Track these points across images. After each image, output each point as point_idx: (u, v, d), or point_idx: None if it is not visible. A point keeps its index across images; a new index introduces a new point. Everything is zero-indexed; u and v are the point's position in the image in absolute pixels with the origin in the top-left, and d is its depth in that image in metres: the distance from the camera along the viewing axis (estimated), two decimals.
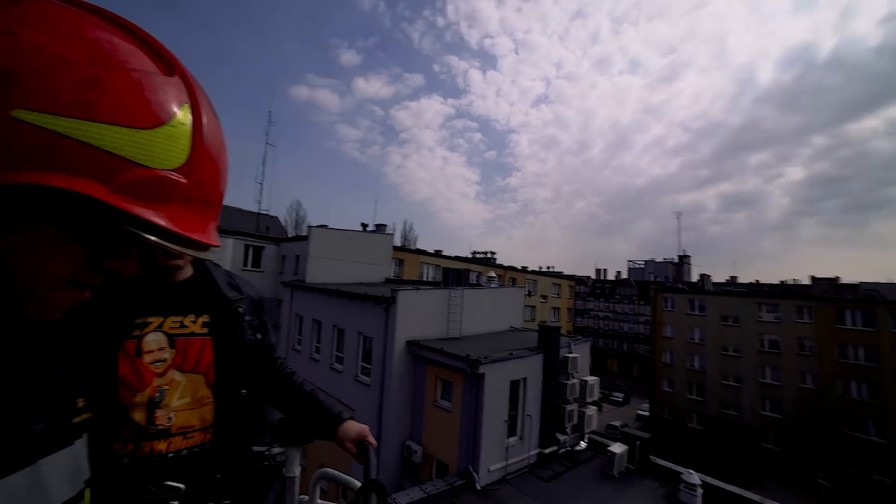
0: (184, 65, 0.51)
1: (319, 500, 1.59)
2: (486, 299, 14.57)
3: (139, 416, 1.03)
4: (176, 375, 1.10)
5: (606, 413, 39.28)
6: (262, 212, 28.70)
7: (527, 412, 11.24)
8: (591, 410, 12.64)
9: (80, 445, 0.62)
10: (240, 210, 30.16)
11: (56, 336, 0.55)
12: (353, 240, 21.29)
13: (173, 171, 0.46)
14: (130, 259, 0.53)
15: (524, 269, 41.15)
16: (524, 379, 11.23)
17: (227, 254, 20.13)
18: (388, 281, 22.85)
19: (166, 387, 1.08)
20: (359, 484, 1.16)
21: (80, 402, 0.64)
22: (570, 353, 12.51)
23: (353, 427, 1.38)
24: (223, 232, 20.61)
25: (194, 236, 0.49)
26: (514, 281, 37.18)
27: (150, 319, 1.10)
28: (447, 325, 12.66)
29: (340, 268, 20.16)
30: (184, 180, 0.47)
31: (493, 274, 16.90)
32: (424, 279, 28.71)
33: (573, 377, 12.28)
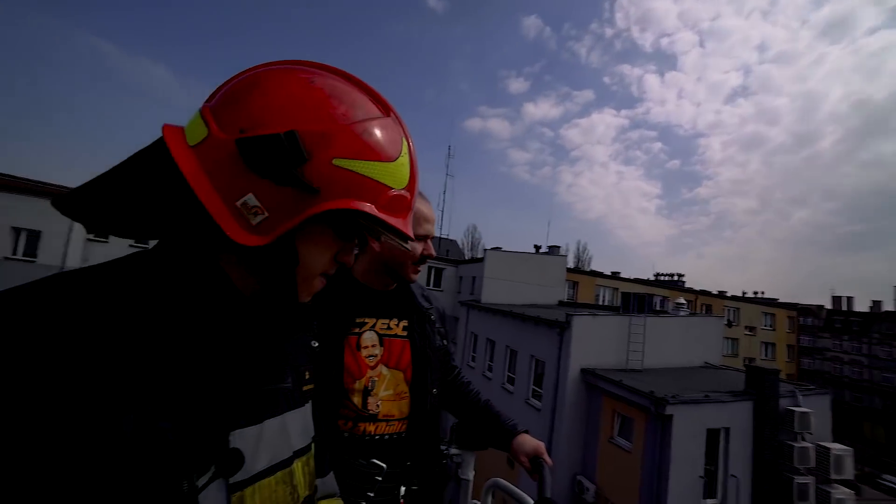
0: (397, 112, 0.64)
1: None
2: (674, 329, 12.85)
3: (356, 399, 1.23)
4: (383, 370, 1.28)
5: (873, 502, 26.24)
6: (442, 236, 31.72)
7: (730, 472, 9.34)
8: (843, 493, 9.40)
9: (309, 408, 0.77)
10: None
11: (303, 316, 0.69)
12: (526, 262, 21.68)
13: (403, 189, 0.61)
14: (350, 255, 0.67)
15: (721, 295, 34.46)
16: (726, 429, 9.39)
17: None
18: (561, 303, 22.33)
19: (376, 378, 1.27)
20: (531, 501, 1.18)
21: (307, 375, 0.79)
22: (798, 405, 9.91)
23: (529, 442, 1.40)
24: None
25: (408, 234, 0.64)
26: (708, 308, 31.52)
27: (366, 320, 1.30)
28: (627, 355, 11.63)
29: (514, 289, 20.71)
30: (409, 196, 0.62)
31: (683, 301, 14.81)
32: (600, 303, 27.01)
33: (803, 439, 9.64)
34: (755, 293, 42.73)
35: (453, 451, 1.64)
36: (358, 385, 1.23)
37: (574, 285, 26.81)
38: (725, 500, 9.28)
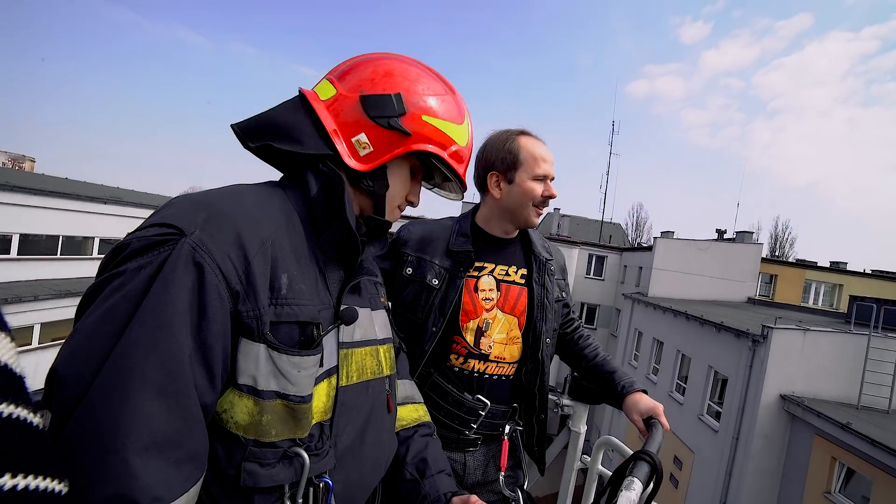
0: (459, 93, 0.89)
1: (600, 466, 1.59)
2: None
3: (469, 337, 1.32)
4: (498, 314, 1.35)
5: None
6: (605, 220, 29.27)
7: None
8: None
9: (386, 314, 0.96)
10: (585, 219, 31.81)
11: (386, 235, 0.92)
12: (705, 251, 18.38)
13: (464, 147, 0.86)
14: (416, 197, 0.91)
15: None
16: None
17: (571, 263, 21.68)
18: (751, 301, 18.41)
19: (490, 321, 1.34)
20: (630, 452, 1.13)
21: (383, 292, 1.00)
22: None
23: (645, 400, 1.34)
24: (569, 242, 22.49)
25: (462, 174, 0.89)
26: None
27: (486, 265, 1.37)
28: (860, 387, 8.83)
29: (689, 282, 17.83)
30: (467, 151, 0.88)
31: None
32: (810, 304, 21.31)
33: None
34: None
35: (565, 401, 1.67)
36: (472, 324, 1.32)
37: (771, 279, 21.68)
38: None
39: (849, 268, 22.89)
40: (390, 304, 1.04)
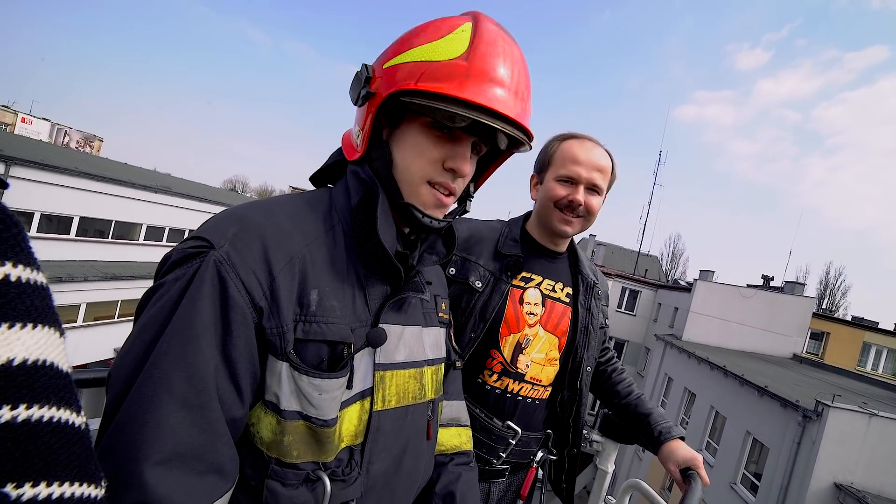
0: (485, 16, 0.71)
1: None
2: None
3: (507, 352, 1.21)
4: (540, 331, 1.24)
5: None
6: (642, 252, 28.01)
7: None
8: None
9: (443, 332, 0.91)
10: (621, 248, 30.69)
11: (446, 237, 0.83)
12: (750, 299, 17.07)
13: (455, 58, 0.65)
14: (465, 161, 0.72)
15: None
16: None
17: None
18: (797, 359, 16.92)
19: (531, 337, 1.23)
20: None
21: (444, 305, 0.94)
22: None
23: (682, 450, 1.25)
24: (603, 272, 21.35)
25: (476, 99, 0.64)
26: None
27: (533, 276, 1.26)
28: None
29: (728, 330, 16.61)
30: (463, 62, 0.65)
31: None
32: (868, 370, 19.44)
33: None
34: None
35: (595, 437, 1.59)
36: (512, 339, 1.22)
37: (822, 336, 19.95)
38: None
39: None
40: (450, 317, 0.97)
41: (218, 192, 27.16)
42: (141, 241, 16.76)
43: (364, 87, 0.70)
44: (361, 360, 0.68)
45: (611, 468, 1.61)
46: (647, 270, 27.04)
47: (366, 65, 0.72)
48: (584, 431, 1.49)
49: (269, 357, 0.60)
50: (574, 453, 1.34)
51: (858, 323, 21.19)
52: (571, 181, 1.21)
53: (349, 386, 0.66)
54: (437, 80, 0.64)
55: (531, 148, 0.79)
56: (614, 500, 1.57)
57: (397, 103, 0.69)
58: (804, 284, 19.66)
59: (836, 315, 27.19)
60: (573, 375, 1.29)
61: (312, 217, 0.70)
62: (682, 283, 23.41)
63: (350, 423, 0.68)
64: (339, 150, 0.80)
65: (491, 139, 0.75)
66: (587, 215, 1.23)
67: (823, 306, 32.62)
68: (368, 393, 0.70)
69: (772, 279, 21.49)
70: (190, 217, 18.12)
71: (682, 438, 1.31)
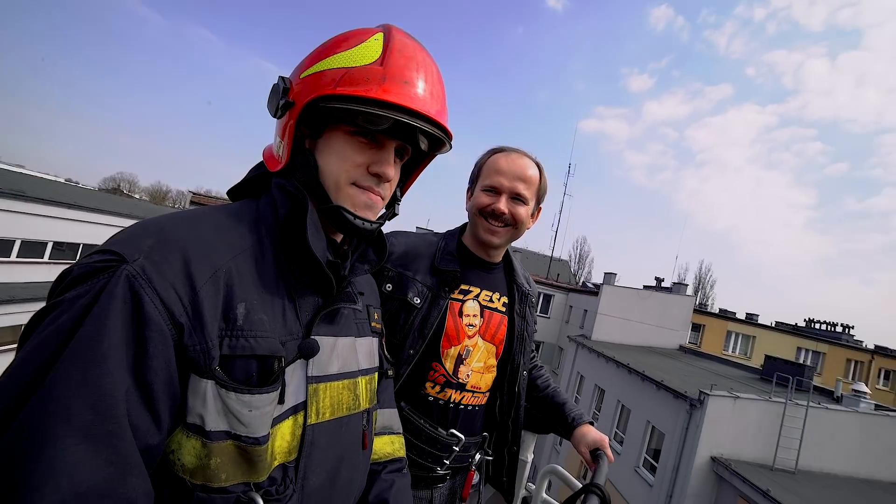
0: (396, 27, 0.75)
1: (545, 494, 1.63)
2: (850, 426, 10.38)
3: (448, 365, 1.23)
4: (479, 341, 1.27)
5: None
6: (553, 257, 30.44)
7: None
8: None
9: (376, 341, 0.91)
10: (534, 253, 33.01)
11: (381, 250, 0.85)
12: (646, 300, 19.68)
13: (370, 63, 0.68)
14: (389, 165, 0.73)
15: None
16: None
17: None
18: (682, 349, 19.86)
19: (471, 348, 1.26)
20: (579, 485, 1.14)
21: (376, 315, 0.93)
22: None
23: (592, 433, 1.36)
24: None
25: (395, 100, 0.66)
26: (889, 374, 25.00)
27: (472, 288, 1.29)
28: (776, 450, 9.73)
29: (629, 328, 18.93)
30: (378, 66, 0.67)
31: (865, 389, 11.89)
32: (729, 351, 23.44)
33: None
34: None
35: None
36: (453, 351, 1.24)
37: (699, 328, 23.62)
38: None
39: (759, 320, 25.56)
40: (382, 326, 0.97)
41: (94, 196, 22.35)
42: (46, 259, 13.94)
43: (282, 97, 0.69)
44: (293, 374, 0.66)
45: (530, 457, 1.69)
46: (559, 275, 29.50)
47: (282, 77, 0.72)
48: None
49: (192, 376, 0.56)
50: (514, 451, 1.41)
51: (724, 315, 25.41)
52: (495, 190, 1.24)
53: (281, 401, 0.63)
54: (356, 83, 0.66)
55: (451, 147, 0.80)
56: (534, 486, 1.67)
57: (318, 112, 0.69)
58: (687, 285, 23.09)
59: (708, 308, 32.10)
60: (511, 380, 1.34)
61: (237, 229, 0.66)
62: (590, 285, 25.93)
63: (283, 440, 0.65)
64: (261, 163, 0.79)
65: (413, 141, 0.76)
66: (514, 224, 1.25)
67: (698, 299, 38.19)
68: (301, 407, 0.68)
69: (662, 280, 24.90)
70: (54, 228, 14.49)
71: (592, 423, 1.41)
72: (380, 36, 0.71)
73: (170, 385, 0.54)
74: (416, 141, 0.76)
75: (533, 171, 1.27)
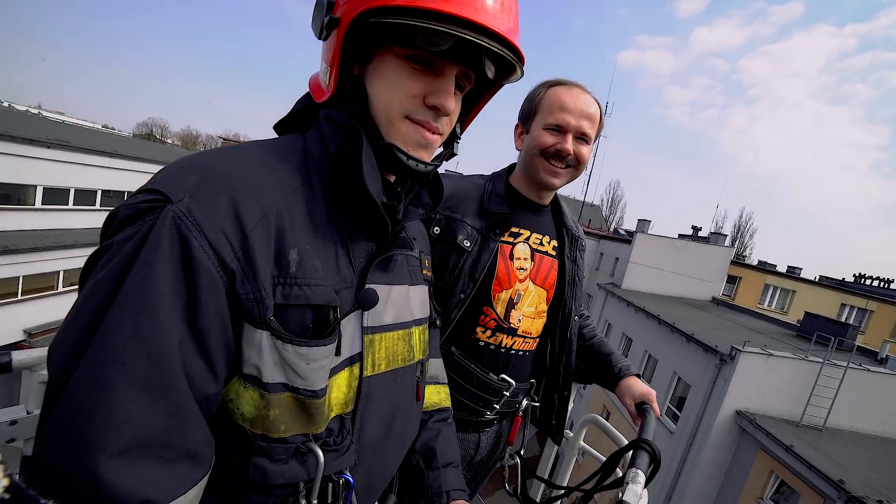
0: None
1: (583, 442, 1.66)
2: (891, 389, 10.10)
3: (500, 308, 1.21)
4: (530, 285, 1.25)
5: None
6: (585, 202, 29.45)
7: None
8: None
9: (427, 289, 0.85)
10: (566, 198, 31.96)
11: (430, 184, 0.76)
12: (681, 250, 18.97)
13: None
14: (449, 96, 0.64)
15: None
16: None
17: None
18: (715, 301, 19.41)
19: (522, 292, 1.23)
20: (625, 440, 1.10)
21: (426, 262, 0.87)
22: None
23: (638, 386, 1.32)
24: None
25: (461, 13, 0.55)
26: None
27: (522, 231, 1.26)
28: (805, 408, 9.65)
29: (661, 277, 18.50)
30: None
31: None
32: (765, 307, 22.77)
33: None
34: None
35: None
36: (504, 295, 1.21)
37: (734, 280, 22.84)
38: None
39: (802, 274, 24.44)
40: (431, 274, 0.92)
41: (131, 143, 23.10)
42: (38, 205, 14.18)
43: (327, 13, 0.60)
44: (349, 324, 0.64)
45: (570, 406, 1.70)
46: (590, 221, 28.71)
47: None
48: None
49: (246, 326, 0.54)
50: (565, 395, 1.40)
51: (762, 267, 24.40)
52: (560, 129, 1.16)
53: (337, 353, 0.62)
54: None
55: (523, 74, 0.69)
56: (572, 434, 1.68)
57: (368, 32, 0.61)
58: (726, 235, 22.11)
59: (745, 258, 30.84)
60: (563, 326, 1.31)
61: (286, 167, 0.61)
62: (623, 232, 25.18)
63: (339, 392, 0.64)
64: (307, 95, 0.72)
65: (478, 67, 0.65)
66: (576, 165, 1.20)
67: (736, 249, 36.69)
68: (357, 358, 0.66)
69: (699, 229, 23.86)
70: (98, 175, 15.46)
71: (639, 376, 1.37)
72: None
73: (224, 334, 0.52)
74: (482, 66, 0.64)
75: (595, 109, 1.20)
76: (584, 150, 1.19)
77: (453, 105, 0.65)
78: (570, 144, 1.16)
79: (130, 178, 16.55)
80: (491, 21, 0.57)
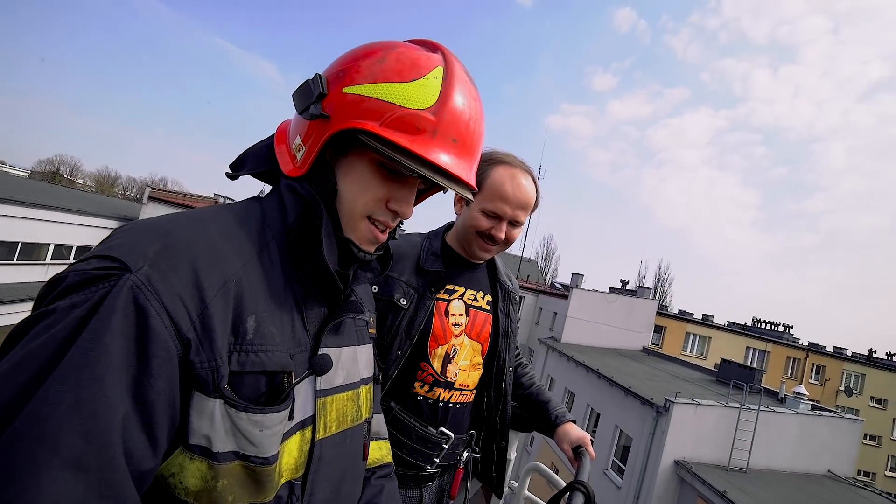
0: (449, 50, 0.69)
1: (527, 492, 1.67)
2: (792, 427, 11.38)
3: (436, 363, 1.25)
4: (465, 340, 1.30)
5: None
6: (523, 257, 31.07)
7: None
8: None
9: (371, 347, 0.87)
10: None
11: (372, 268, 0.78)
12: (613, 304, 20.52)
13: (424, 110, 0.62)
14: (408, 205, 0.70)
15: (839, 354, 28.36)
16: None
17: None
18: (645, 350, 20.91)
19: (458, 347, 1.28)
20: (563, 483, 1.14)
21: (371, 319, 0.90)
22: None
23: (574, 431, 1.38)
24: None
25: (439, 163, 0.62)
26: (819, 371, 27.37)
27: (456, 288, 1.31)
28: (731, 452, 10.53)
29: (597, 330, 19.72)
30: (431, 116, 0.62)
31: (804, 390, 13.01)
32: (688, 351, 24.89)
33: None
34: (889, 355, 30.72)
35: None
36: (440, 350, 1.25)
37: (661, 330, 24.90)
38: None
39: (715, 320, 27.29)
40: (375, 331, 0.93)
41: (25, 184, 19.43)
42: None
43: (316, 102, 0.63)
44: (302, 388, 0.64)
45: (514, 455, 1.69)
46: (528, 276, 30.17)
47: (319, 76, 0.64)
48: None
49: (196, 395, 0.52)
50: (503, 446, 1.43)
51: (682, 317, 26.91)
52: (497, 217, 1.23)
53: (290, 417, 0.61)
54: (404, 131, 0.61)
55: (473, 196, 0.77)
56: (517, 483, 1.69)
57: (351, 133, 0.63)
58: (650, 288, 24.25)
59: (667, 306, 33.81)
60: (498, 377, 1.36)
61: (245, 234, 0.62)
62: (558, 285, 26.69)
63: (290, 457, 0.63)
64: (269, 146, 0.73)
65: (437, 186, 0.74)
66: (506, 244, 1.28)
67: (658, 298, 40.07)
68: (310, 421, 0.66)
69: (627, 283, 25.98)
70: None
71: (574, 422, 1.42)
72: (439, 72, 0.64)
73: (171, 406, 0.50)
74: (441, 186, 0.70)
75: (533, 194, 1.27)
76: (516, 231, 1.27)
77: (410, 212, 0.71)
78: (503, 232, 1.23)
79: (23, 226, 13.43)
80: (458, 170, 0.65)
